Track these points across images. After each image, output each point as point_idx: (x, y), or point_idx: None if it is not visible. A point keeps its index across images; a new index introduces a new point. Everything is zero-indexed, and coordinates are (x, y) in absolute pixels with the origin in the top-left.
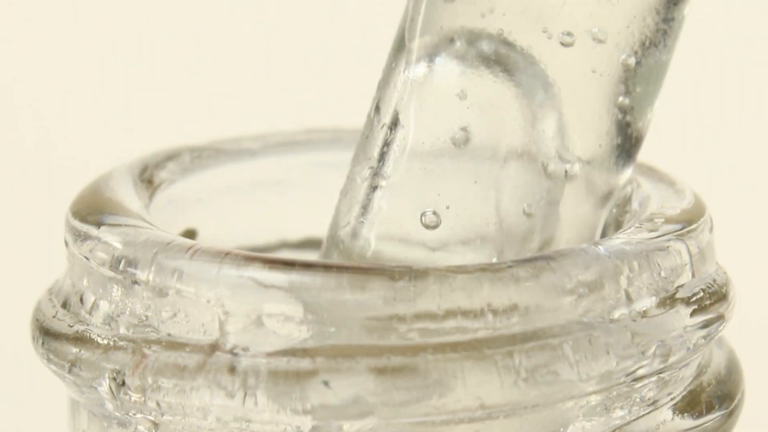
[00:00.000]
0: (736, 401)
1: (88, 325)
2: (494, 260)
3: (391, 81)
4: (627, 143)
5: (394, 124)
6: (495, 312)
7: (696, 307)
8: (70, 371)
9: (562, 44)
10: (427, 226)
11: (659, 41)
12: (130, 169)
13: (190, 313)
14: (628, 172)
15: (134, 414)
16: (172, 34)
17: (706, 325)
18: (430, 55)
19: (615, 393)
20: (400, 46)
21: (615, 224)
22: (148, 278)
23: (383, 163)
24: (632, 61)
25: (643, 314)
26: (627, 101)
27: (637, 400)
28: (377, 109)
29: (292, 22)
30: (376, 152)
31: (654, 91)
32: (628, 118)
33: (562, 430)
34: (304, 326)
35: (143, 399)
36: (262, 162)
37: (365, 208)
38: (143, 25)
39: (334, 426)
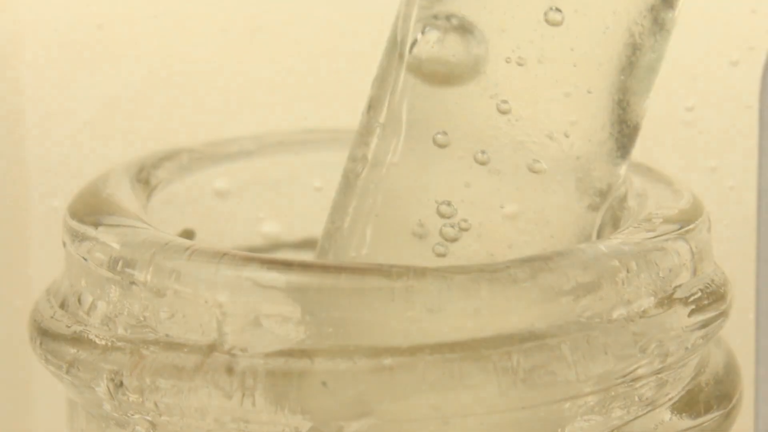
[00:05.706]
0: (734, 401)
1: (86, 325)
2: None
3: (385, 79)
4: (622, 137)
5: (388, 121)
6: (493, 312)
7: (694, 307)
8: (68, 372)
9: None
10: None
11: (654, 37)
12: (127, 169)
13: (188, 313)
14: (623, 168)
15: (132, 414)
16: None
17: (704, 325)
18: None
19: (613, 393)
20: (393, 45)
21: (612, 223)
22: (146, 279)
23: (378, 161)
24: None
25: (642, 314)
26: (622, 95)
27: (636, 400)
28: (371, 107)
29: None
30: (370, 150)
31: (648, 84)
32: (623, 111)
33: (560, 430)
34: (302, 327)
35: (141, 399)
36: (260, 162)
37: (361, 206)
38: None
39: (333, 426)
